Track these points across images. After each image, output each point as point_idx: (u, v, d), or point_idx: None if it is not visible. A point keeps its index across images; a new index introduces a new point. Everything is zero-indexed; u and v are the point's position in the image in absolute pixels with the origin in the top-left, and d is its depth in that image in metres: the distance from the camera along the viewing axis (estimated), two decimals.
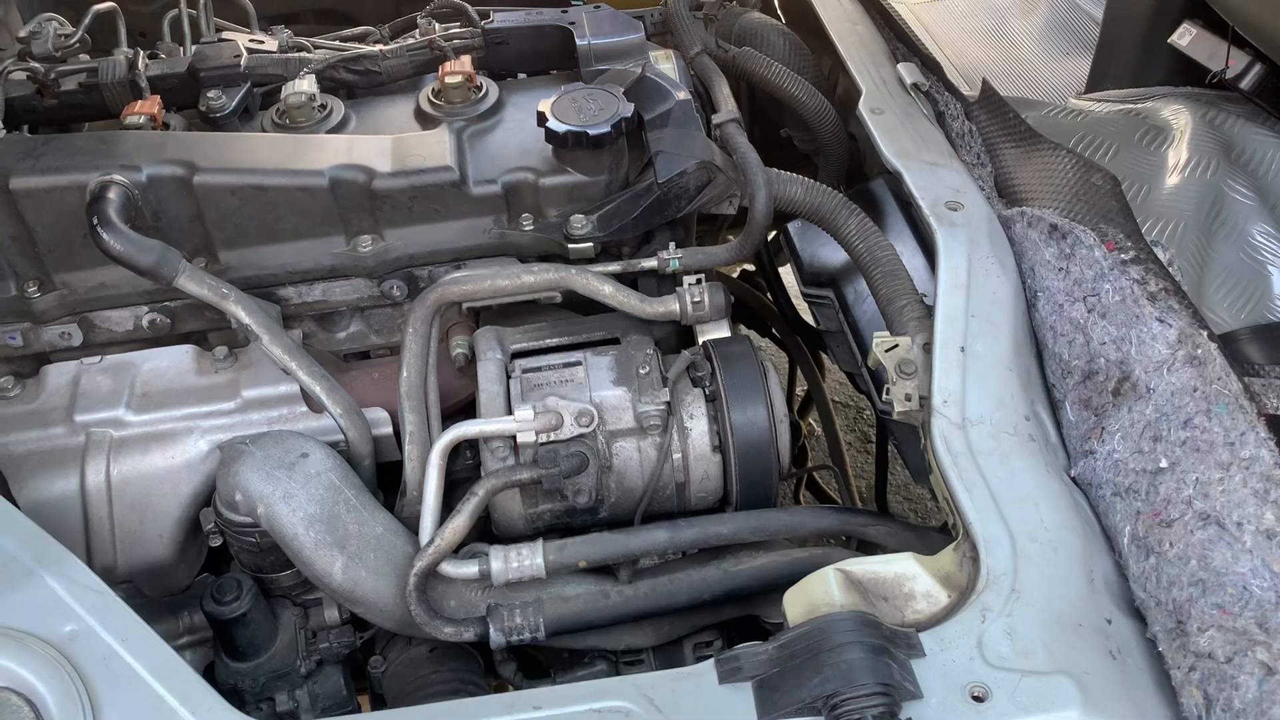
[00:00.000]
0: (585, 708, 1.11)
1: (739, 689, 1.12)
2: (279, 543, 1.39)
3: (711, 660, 1.14)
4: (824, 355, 2.60)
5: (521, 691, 1.15)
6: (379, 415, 1.56)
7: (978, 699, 1.09)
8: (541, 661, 1.61)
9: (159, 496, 1.52)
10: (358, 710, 1.60)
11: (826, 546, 1.49)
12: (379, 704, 1.57)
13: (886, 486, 2.44)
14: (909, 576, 1.21)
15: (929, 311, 1.49)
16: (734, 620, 1.57)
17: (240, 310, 1.48)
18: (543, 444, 1.43)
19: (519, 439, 1.42)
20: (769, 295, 2.54)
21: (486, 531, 1.54)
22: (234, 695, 1.51)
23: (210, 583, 1.46)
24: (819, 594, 1.16)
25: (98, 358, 1.59)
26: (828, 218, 1.60)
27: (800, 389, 2.81)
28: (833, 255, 1.85)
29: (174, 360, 1.59)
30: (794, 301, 2.43)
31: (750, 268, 2.87)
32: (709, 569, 1.43)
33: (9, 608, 1.17)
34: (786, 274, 2.37)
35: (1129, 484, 1.28)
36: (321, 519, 1.37)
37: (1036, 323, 1.52)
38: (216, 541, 1.50)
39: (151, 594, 1.58)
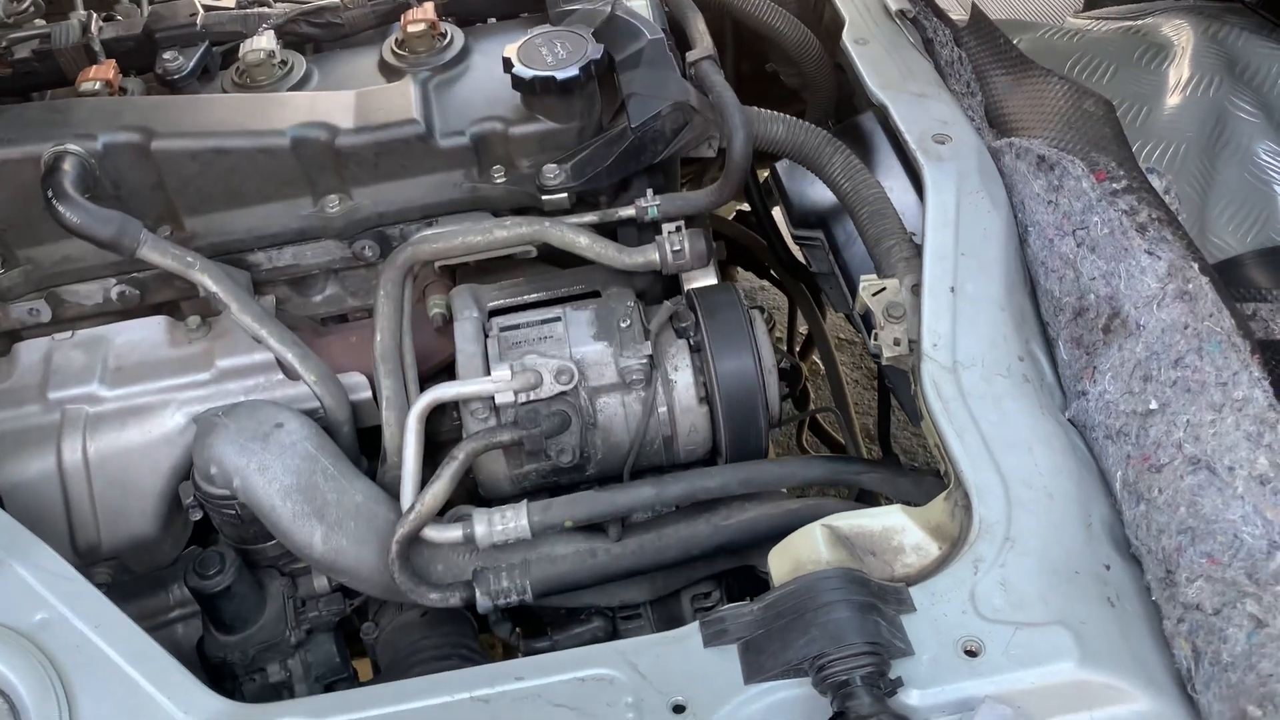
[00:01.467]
0: (569, 676, 1.09)
1: (725, 652, 1.09)
2: (257, 514, 1.36)
3: (696, 624, 1.12)
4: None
5: (504, 663, 1.12)
6: (357, 380, 1.52)
7: (971, 653, 1.06)
8: (540, 618, 1.60)
9: (138, 472, 1.49)
10: (354, 675, 1.58)
11: (820, 497, 1.45)
12: (377, 667, 1.56)
13: (890, 425, 2.40)
14: (897, 530, 1.17)
15: (918, 251, 1.44)
16: (732, 570, 1.55)
17: (207, 279, 1.44)
18: (523, 404, 1.39)
19: (498, 400, 1.38)
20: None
21: (475, 493, 1.51)
22: (225, 668, 1.49)
23: (193, 557, 1.44)
24: (804, 551, 1.13)
25: (69, 333, 1.56)
26: (811, 156, 1.54)
27: (802, 329, 2.76)
28: (822, 195, 1.78)
29: (146, 332, 1.56)
30: (789, 243, 2.38)
31: (746, 208, 2.81)
32: (698, 524, 1.40)
33: None
34: (780, 214, 2.31)
35: (1120, 426, 1.24)
36: (298, 489, 1.34)
37: (1029, 258, 1.46)
38: (197, 515, 1.48)
39: (139, 569, 1.56)
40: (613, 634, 1.52)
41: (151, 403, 1.51)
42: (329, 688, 1.55)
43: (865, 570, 1.12)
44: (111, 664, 1.11)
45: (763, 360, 1.48)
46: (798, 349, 2.80)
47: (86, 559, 1.51)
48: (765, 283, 2.98)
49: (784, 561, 1.14)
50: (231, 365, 1.52)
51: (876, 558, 1.16)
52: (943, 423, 1.26)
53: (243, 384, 1.52)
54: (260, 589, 1.50)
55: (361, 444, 1.54)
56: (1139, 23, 2.10)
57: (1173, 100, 1.85)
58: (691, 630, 1.11)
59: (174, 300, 1.60)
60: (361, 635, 1.55)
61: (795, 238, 1.87)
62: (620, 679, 1.08)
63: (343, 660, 1.55)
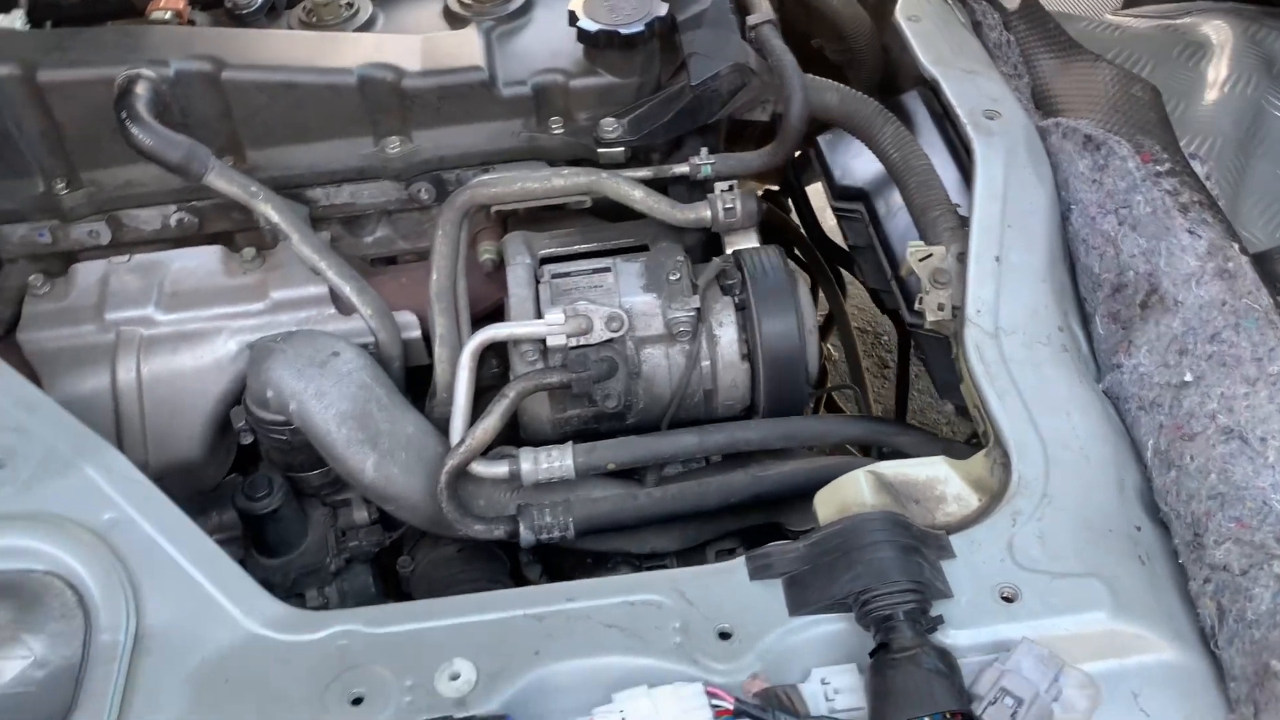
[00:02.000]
0: (619, 600, 1.13)
1: (769, 585, 1.13)
2: (311, 440, 1.40)
3: (742, 558, 1.16)
4: (845, 276, 2.58)
5: (555, 584, 1.16)
6: (408, 319, 1.56)
7: (1007, 599, 1.10)
8: (564, 567, 1.63)
9: (189, 395, 1.53)
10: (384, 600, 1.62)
11: (852, 456, 1.49)
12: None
13: (907, 410, 2.44)
14: (940, 479, 1.21)
15: (963, 222, 1.48)
16: (754, 528, 1.59)
17: (270, 209, 1.48)
18: (572, 348, 1.43)
19: (549, 343, 1.42)
20: (792, 214, 2.52)
21: (513, 437, 1.55)
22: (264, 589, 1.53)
23: (242, 480, 1.47)
24: (850, 495, 1.17)
25: (126, 257, 1.59)
26: (863, 125, 1.58)
27: (820, 312, 2.80)
28: (863, 168, 1.82)
29: (202, 260, 1.59)
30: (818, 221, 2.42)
31: (773, 187, 2.84)
32: (737, 474, 1.43)
33: (50, 496, 1.18)
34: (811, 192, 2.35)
35: (1153, 397, 1.28)
36: (353, 416, 1.38)
37: (1069, 236, 1.50)
38: (248, 439, 1.51)
39: (180, 493, 1.57)
40: None
41: (205, 329, 1.54)
42: None
43: (908, 516, 1.16)
44: (177, 566, 1.15)
45: (805, 321, 1.52)
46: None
47: None
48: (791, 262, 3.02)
49: (830, 504, 1.18)
50: (285, 297, 1.55)
51: (919, 505, 1.20)
52: (984, 384, 1.30)
53: (295, 316, 1.56)
54: (304, 516, 1.53)
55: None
56: (1177, 21, 2.14)
57: (1210, 96, 1.89)
58: (738, 564, 1.15)
59: (229, 231, 1.63)
60: (398, 568, 1.59)
61: (835, 209, 1.91)
62: (668, 604, 1.12)
63: (377, 591, 1.59)
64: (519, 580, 1.61)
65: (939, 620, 1.06)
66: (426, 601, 1.15)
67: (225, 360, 1.53)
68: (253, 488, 1.45)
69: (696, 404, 1.53)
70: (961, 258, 1.43)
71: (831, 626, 1.10)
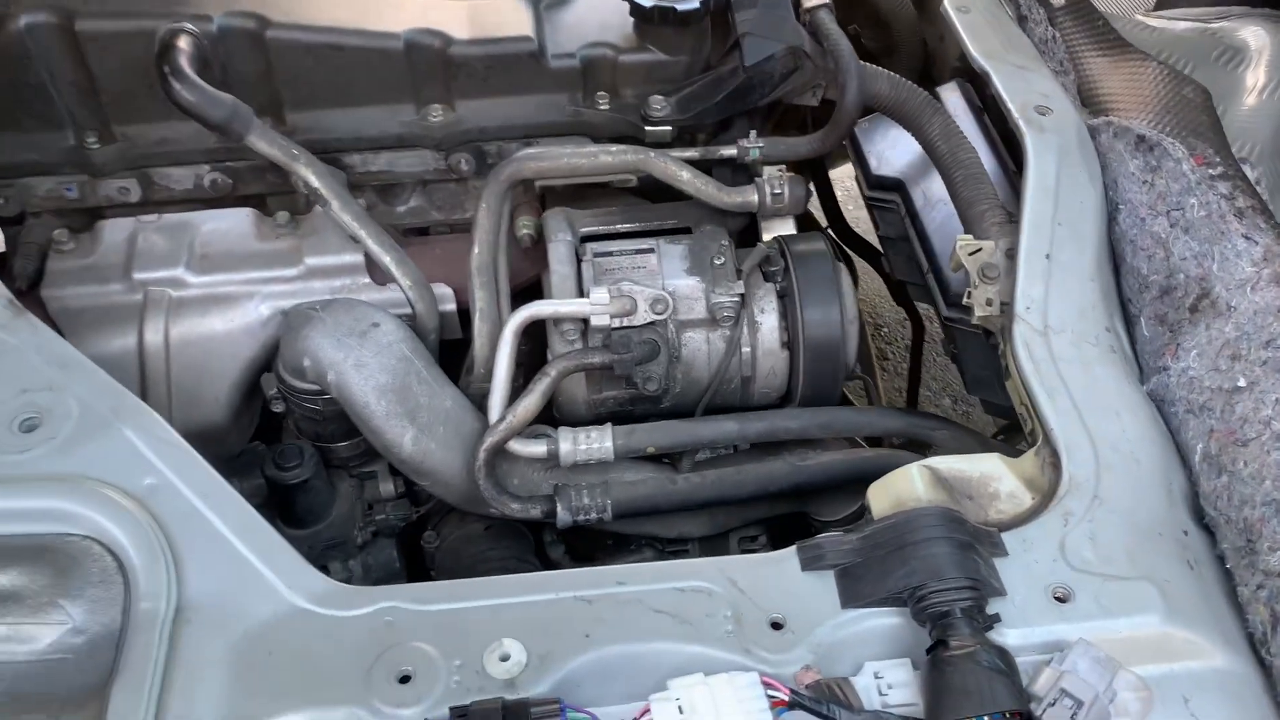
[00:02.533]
0: (669, 585, 1.11)
1: (822, 577, 1.12)
2: (349, 411, 1.37)
3: (794, 548, 1.14)
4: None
5: (605, 568, 1.14)
6: (444, 291, 1.53)
7: (1060, 599, 1.10)
8: (583, 548, 1.62)
9: (217, 359, 1.50)
10: (405, 578, 1.60)
11: (889, 449, 1.48)
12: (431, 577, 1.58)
13: (918, 401, 2.44)
14: (994, 476, 1.21)
15: (1010, 217, 1.47)
16: (778, 518, 1.58)
17: (310, 173, 1.44)
18: (615, 329, 1.41)
19: (592, 322, 1.40)
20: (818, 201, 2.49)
21: (545, 417, 1.53)
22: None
23: (273, 449, 1.45)
24: (904, 489, 1.16)
25: (155, 216, 1.55)
26: (912, 115, 1.56)
27: None
28: (900, 158, 1.81)
29: (234, 223, 1.56)
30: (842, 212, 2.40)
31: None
32: (776, 462, 1.42)
33: (88, 458, 1.15)
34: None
35: (1203, 401, 1.27)
36: (393, 389, 1.35)
37: (1115, 236, 1.49)
38: (279, 408, 1.48)
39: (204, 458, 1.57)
40: None
41: (236, 293, 1.51)
42: None
43: (963, 512, 1.15)
44: (219, 534, 1.12)
45: (847, 311, 1.51)
46: None
47: None
48: None
49: (884, 497, 1.16)
50: (320, 264, 1.52)
51: (973, 501, 1.19)
52: (1034, 382, 1.29)
53: (329, 284, 1.53)
54: (332, 488, 1.51)
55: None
56: (1213, 25, 2.13)
57: (1249, 101, 1.88)
58: (789, 554, 1.14)
59: (262, 194, 1.60)
60: (423, 543, 1.57)
61: (869, 199, 1.89)
62: (719, 592, 1.10)
63: (401, 567, 1.57)
64: (543, 559, 1.59)
65: (995, 618, 1.06)
66: (471, 581, 1.13)
67: (256, 325, 1.50)
68: (284, 457, 1.43)
69: (733, 390, 1.51)
70: (1010, 254, 1.42)
71: (885, 620, 1.09)
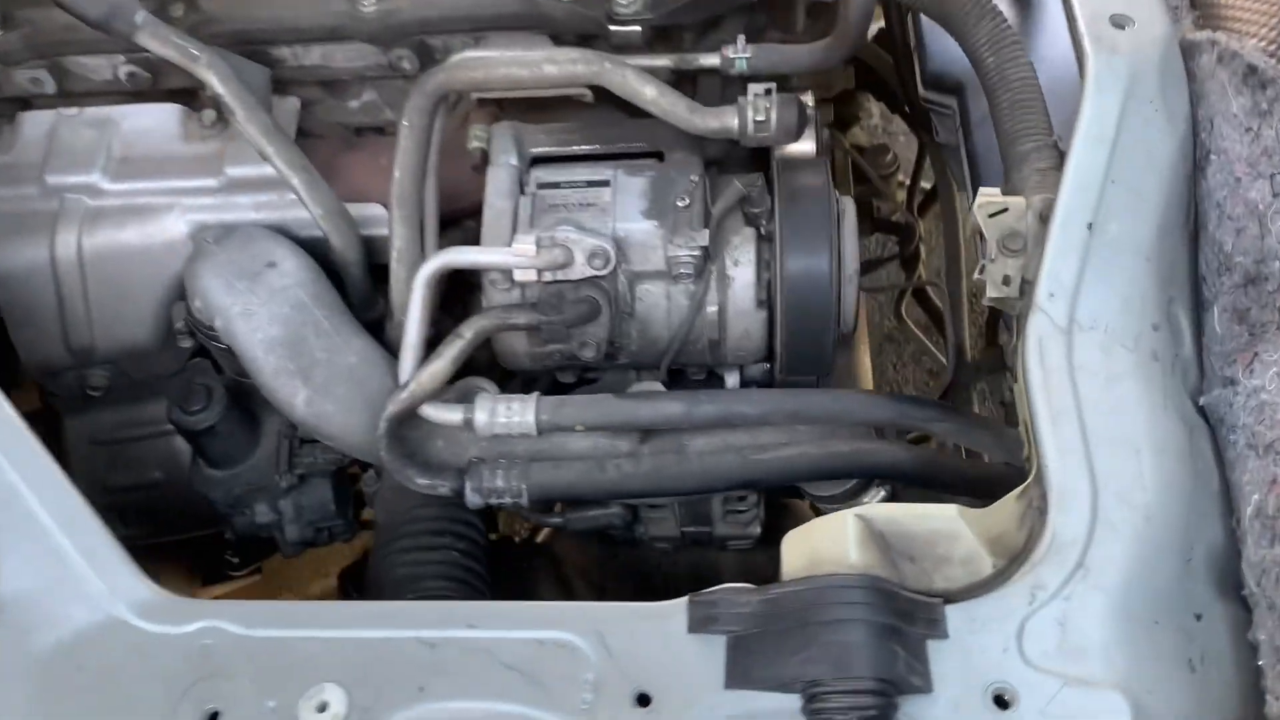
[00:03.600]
0: (527, 635, 0.95)
1: (710, 642, 0.93)
2: (241, 363, 1.22)
3: (685, 601, 0.95)
4: None
5: (458, 604, 0.99)
6: (376, 213, 1.33)
7: (1001, 702, 0.88)
8: None
9: (137, 277, 1.37)
10: (352, 524, 1.49)
11: (877, 443, 1.24)
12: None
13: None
14: (947, 535, 0.96)
15: (1061, 163, 1.15)
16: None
17: (212, 76, 1.24)
18: (548, 283, 1.20)
19: (516, 276, 1.18)
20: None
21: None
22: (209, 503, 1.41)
23: (176, 390, 1.32)
24: (826, 545, 0.94)
25: (76, 110, 1.40)
26: (953, 16, 1.23)
27: (926, 184, 2.44)
28: (964, 56, 1.47)
29: (158, 121, 1.39)
30: None
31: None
32: (727, 455, 1.20)
33: None
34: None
35: (1272, 440, 0.98)
36: (284, 343, 1.19)
37: (1201, 193, 1.16)
38: (187, 343, 1.34)
39: (138, 376, 1.46)
40: (630, 523, 1.37)
41: (154, 204, 1.36)
42: (320, 532, 1.46)
43: (897, 578, 0.93)
44: (41, 527, 1.01)
45: (844, 263, 1.24)
46: (917, 203, 2.48)
47: (80, 360, 1.41)
48: (896, 117, 2.62)
49: (800, 552, 0.95)
50: (242, 175, 1.35)
51: (915, 564, 0.96)
52: (1038, 398, 1.02)
53: (254, 198, 1.35)
54: (254, 426, 1.38)
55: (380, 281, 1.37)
56: None
57: None
58: (677, 608, 0.95)
59: (190, 89, 1.41)
60: (363, 486, 1.44)
61: (925, 100, 1.57)
62: (583, 651, 0.93)
63: (339, 507, 1.45)
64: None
65: None
66: (310, 605, 1.00)
67: (176, 241, 1.35)
68: (187, 400, 1.30)
69: (700, 351, 1.29)
70: (1044, 217, 1.11)
71: (772, 706, 0.89)
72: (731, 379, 1.36)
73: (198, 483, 1.38)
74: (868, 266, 2.71)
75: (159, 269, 1.36)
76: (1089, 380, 1.03)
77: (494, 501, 1.20)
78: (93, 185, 1.35)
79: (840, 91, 1.80)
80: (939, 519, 0.96)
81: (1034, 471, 1.00)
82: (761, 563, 1.73)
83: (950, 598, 0.93)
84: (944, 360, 2.18)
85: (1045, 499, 0.97)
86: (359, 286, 1.32)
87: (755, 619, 0.92)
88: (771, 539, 1.75)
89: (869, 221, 2.50)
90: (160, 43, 1.22)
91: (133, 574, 1.00)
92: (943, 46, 1.51)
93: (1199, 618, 0.95)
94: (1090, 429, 1.00)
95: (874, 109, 2.59)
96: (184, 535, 1.62)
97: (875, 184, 2.19)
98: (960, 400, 2.11)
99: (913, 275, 2.38)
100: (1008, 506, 0.99)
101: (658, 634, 0.94)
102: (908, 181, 2.49)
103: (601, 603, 0.97)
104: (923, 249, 2.40)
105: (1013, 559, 0.96)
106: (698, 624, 0.93)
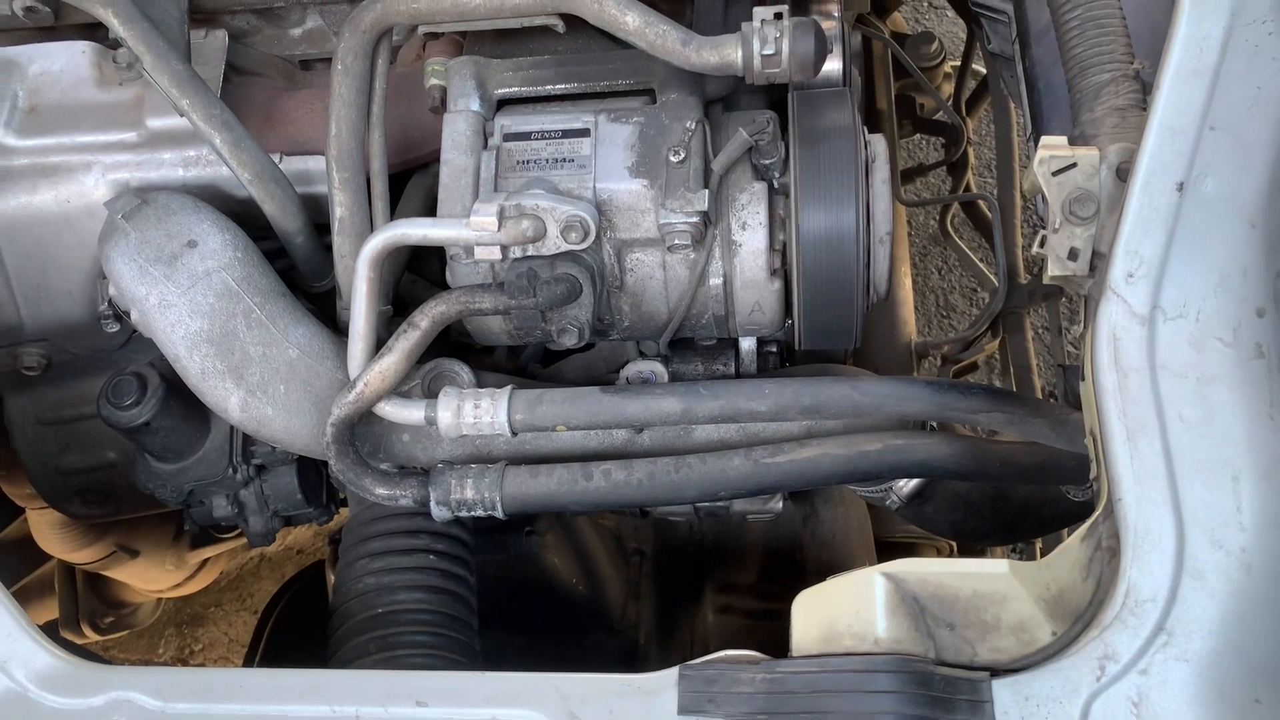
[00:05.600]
0: (485, 713, 0.79)
1: None
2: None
3: (675, 673, 0.78)
4: None
5: (407, 675, 0.83)
6: (321, 167, 1.13)
7: None
8: None
9: (57, 247, 1.19)
10: (323, 507, 1.34)
11: (910, 431, 1.05)
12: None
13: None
14: (995, 599, 0.78)
15: (1143, 101, 0.92)
16: None
17: (111, 14, 1.04)
18: (517, 259, 1.00)
19: (477, 254, 0.99)
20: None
21: None
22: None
23: (106, 381, 1.15)
24: (849, 612, 0.76)
25: None
26: None
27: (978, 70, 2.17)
28: None
29: (68, 63, 1.19)
30: None
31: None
32: (733, 458, 1.02)
33: None
34: None
35: None
36: (209, 339, 1.01)
37: None
38: (113, 328, 1.17)
39: (79, 352, 1.30)
40: None
41: (70, 163, 1.17)
42: (289, 521, 1.31)
43: (934, 651, 0.76)
44: None
45: (874, 222, 1.04)
46: (965, 98, 2.21)
47: (8, 339, 1.25)
48: (945, 2, 2.34)
49: (815, 620, 0.77)
50: (165, 127, 1.15)
51: (954, 632, 0.78)
52: (1110, 408, 0.83)
53: (181, 154, 1.16)
54: (202, 415, 1.21)
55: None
56: None
57: None
58: (666, 682, 0.79)
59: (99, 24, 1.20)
60: (330, 475, 1.28)
61: (974, 4, 1.32)
62: None
63: (308, 494, 1.29)
64: None
65: None
66: (235, 673, 0.84)
67: (97, 206, 1.17)
68: (118, 394, 1.13)
69: (705, 325, 1.09)
70: (1124, 173, 0.89)
71: None
72: (747, 345, 1.17)
73: (143, 478, 1.22)
74: (909, 175, 2.47)
75: (81, 237, 1.18)
76: (1174, 383, 0.84)
77: (464, 514, 1.03)
78: None
79: None
80: (985, 576, 0.78)
81: (1103, 503, 0.82)
82: (790, 532, 1.57)
83: (998, 670, 0.76)
84: (994, 280, 1.96)
85: (1118, 540, 0.79)
86: (306, 255, 1.13)
87: (758, 701, 0.76)
88: (801, 494, 1.60)
89: (910, 121, 2.27)
90: None
91: (35, 640, 0.86)
92: None
93: None
94: (1175, 449, 0.82)
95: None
96: (149, 513, 1.49)
97: (917, 78, 1.93)
98: (1012, 330, 1.90)
99: (960, 184, 2.13)
100: (1070, 553, 0.80)
101: (641, 715, 0.78)
102: (955, 74, 2.22)
103: (574, 674, 0.81)
104: (971, 153, 2.15)
105: (1076, 619, 0.78)
106: (690, 704, 0.77)
